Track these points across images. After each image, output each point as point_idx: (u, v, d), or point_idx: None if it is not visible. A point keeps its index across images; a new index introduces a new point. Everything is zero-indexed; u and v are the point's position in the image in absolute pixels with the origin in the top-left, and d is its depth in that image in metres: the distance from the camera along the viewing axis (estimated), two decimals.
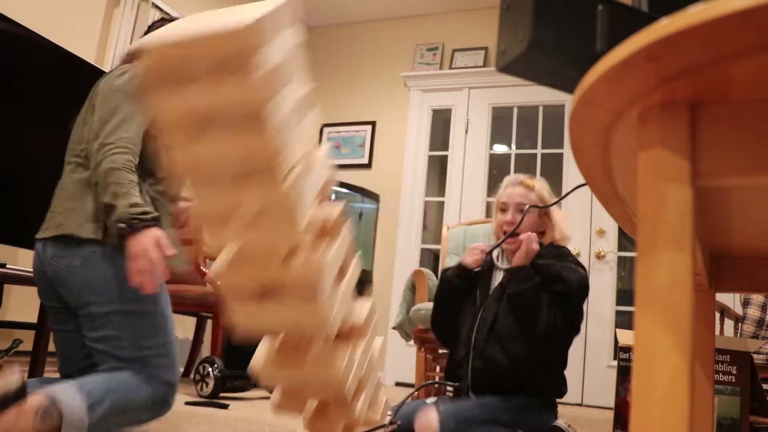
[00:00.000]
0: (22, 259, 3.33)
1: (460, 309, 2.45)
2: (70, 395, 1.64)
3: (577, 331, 2.28)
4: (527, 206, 2.36)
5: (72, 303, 1.88)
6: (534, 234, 2.29)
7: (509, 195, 2.44)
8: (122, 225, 1.73)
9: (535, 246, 2.26)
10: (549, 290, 2.22)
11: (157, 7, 4.23)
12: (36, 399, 1.59)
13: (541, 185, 2.46)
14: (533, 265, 2.27)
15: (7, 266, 2.64)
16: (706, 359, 1.32)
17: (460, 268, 2.44)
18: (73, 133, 2.05)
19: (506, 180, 2.53)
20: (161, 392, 1.85)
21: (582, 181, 0.85)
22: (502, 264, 2.47)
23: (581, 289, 2.27)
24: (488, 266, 2.48)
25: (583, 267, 2.38)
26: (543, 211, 2.41)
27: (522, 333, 2.25)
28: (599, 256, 4.65)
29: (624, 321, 4.53)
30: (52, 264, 1.90)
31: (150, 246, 1.72)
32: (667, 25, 0.45)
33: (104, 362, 1.83)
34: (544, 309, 2.19)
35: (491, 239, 2.65)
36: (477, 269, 2.43)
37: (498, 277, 2.45)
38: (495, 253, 2.49)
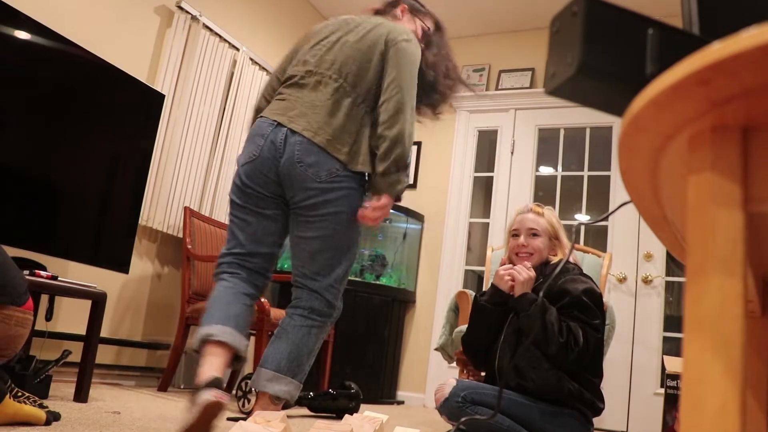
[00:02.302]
0: (72, 272, 3.41)
1: (497, 333, 2.49)
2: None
3: (599, 332, 2.32)
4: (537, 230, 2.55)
5: (297, 200, 2.29)
6: (523, 264, 2.42)
7: (520, 221, 2.60)
8: (400, 190, 2.33)
9: (525, 274, 2.37)
10: (558, 307, 2.31)
11: (208, 28, 4.33)
12: None
13: (549, 212, 2.62)
14: (543, 289, 2.35)
15: (59, 279, 2.71)
16: (759, 391, 1.28)
17: (496, 295, 2.49)
18: (337, 51, 2.40)
19: (516, 209, 2.69)
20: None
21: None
22: None
23: (588, 293, 2.34)
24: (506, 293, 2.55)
25: (589, 277, 2.47)
26: (553, 235, 2.56)
27: (542, 356, 2.31)
28: (646, 281, 4.57)
29: (671, 347, 4.43)
30: (299, 167, 2.26)
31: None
32: (718, 50, 0.45)
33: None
34: (554, 326, 2.24)
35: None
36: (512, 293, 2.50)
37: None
38: None
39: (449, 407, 2.26)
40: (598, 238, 4.98)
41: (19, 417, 1.98)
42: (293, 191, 2.29)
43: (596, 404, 2.34)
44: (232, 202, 2.39)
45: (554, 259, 2.53)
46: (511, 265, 2.51)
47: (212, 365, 2.05)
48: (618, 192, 4.81)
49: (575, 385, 2.27)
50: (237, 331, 2.18)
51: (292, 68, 2.46)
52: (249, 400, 3.11)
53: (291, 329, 2.31)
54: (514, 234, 2.59)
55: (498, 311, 2.47)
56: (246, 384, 3.15)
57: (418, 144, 5.63)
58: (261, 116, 2.40)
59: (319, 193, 2.27)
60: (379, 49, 2.37)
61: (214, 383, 1.93)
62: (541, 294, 2.26)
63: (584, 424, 2.31)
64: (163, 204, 4.02)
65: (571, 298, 2.31)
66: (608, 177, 4.93)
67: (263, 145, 2.30)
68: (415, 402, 5.11)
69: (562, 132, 5.22)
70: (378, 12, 2.67)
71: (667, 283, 4.59)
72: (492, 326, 2.49)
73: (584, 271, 2.56)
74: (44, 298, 3.00)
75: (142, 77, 3.92)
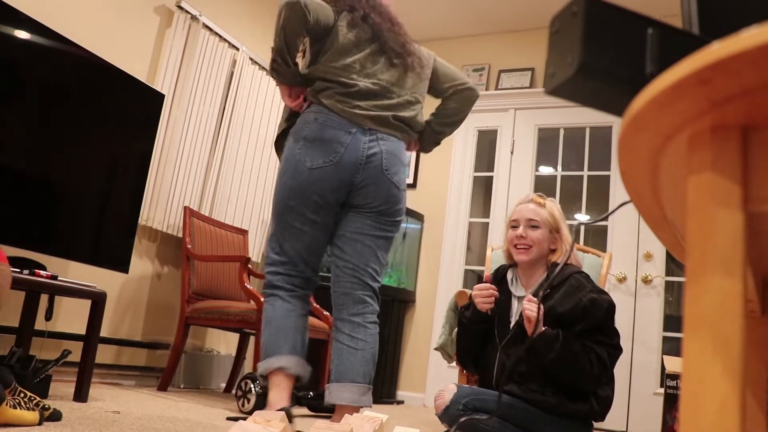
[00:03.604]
0: (72, 272, 3.41)
1: (485, 344, 2.45)
2: None
3: (619, 350, 2.26)
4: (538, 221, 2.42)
5: (376, 205, 2.48)
6: (528, 300, 2.22)
7: (520, 211, 2.48)
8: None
9: (534, 311, 2.16)
10: (581, 329, 2.20)
11: (207, 27, 4.33)
12: None
13: (551, 203, 2.49)
14: (556, 315, 2.24)
15: (59, 278, 2.71)
16: (759, 391, 1.28)
17: (476, 314, 2.42)
18: (394, 86, 2.56)
19: (518, 200, 2.58)
20: None
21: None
22: (517, 291, 2.46)
23: (608, 313, 2.25)
24: (504, 294, 2.47)
25: (603, 291, 2.35)
26: (554, 227, 2.44)
27: (541, 375, 2.25)
28: (646, 281, 4.57)
29: (671, 347, 4.43)
30: (386, 174, 2.45)
31: None
32: (719, 49, 0.45)
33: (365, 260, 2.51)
34: (584, 358, 2.16)
35: (501, 257, 2.66)
36: (492, 309, 2.42)
37: (515, 305, 2.44)
38: (509, 277, 2.49)
39: (450, 415, 2.20)
40: (597, 238, 4.98)
41: (13, 421, 1.99)
42: (371, 197, 2.44)
43: (599, 414, 2.29)
44: (288, 206, 2.43)
45: (554, 256, 2.43)
46: (486, 285, 2.41)
47: (282, 397, 2.33)
48: (618, 192, 4.81)
49: (576, 405, 2.23)
50: (304, 360, 2.43)
51: (358, 78, 2.47)
52: (249, 400, 3.11)
53: (371, 340, 2.44)
54: (513, 225, 2.49)
55: (481, 327, 2.43)
56: (245, 383, 3.15)
57: None
58: (329, 122, 2.40)
59: (397, 200, 2.52)
60: (431, 62, 2.72)
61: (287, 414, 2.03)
62: (541, 290, 2.24)
63: (585, 426, 2.30)
64: (162, 204, 4.02)
65: (595, 321, 2.21)
66: (608, 177, 4.93)
67: (343, 152, 2.37)
68: (415, 402, 5.11)
69: (561, 132, 5.22)
70: None
71: (667, 282, 4.59)
72: (477, 339, 2.45)
73: (584, 271, 2.49)
74: (44, 298, 3.00)
75: (142, 77, 3.92)
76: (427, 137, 2.73)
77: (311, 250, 2.50)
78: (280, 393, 2.33)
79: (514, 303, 2.44)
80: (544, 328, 2.19)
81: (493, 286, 2.42)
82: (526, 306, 2.20)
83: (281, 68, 2.44)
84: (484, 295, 2.39)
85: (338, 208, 2.48)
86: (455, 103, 2.74)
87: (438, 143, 2.79)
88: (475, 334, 2.44)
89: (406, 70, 2.58)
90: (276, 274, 2.48)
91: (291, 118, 2.56)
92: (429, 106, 2.73)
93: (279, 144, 2.62)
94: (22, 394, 2.10)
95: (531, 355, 2.21)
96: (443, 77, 2.73)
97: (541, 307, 2.17)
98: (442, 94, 2.76)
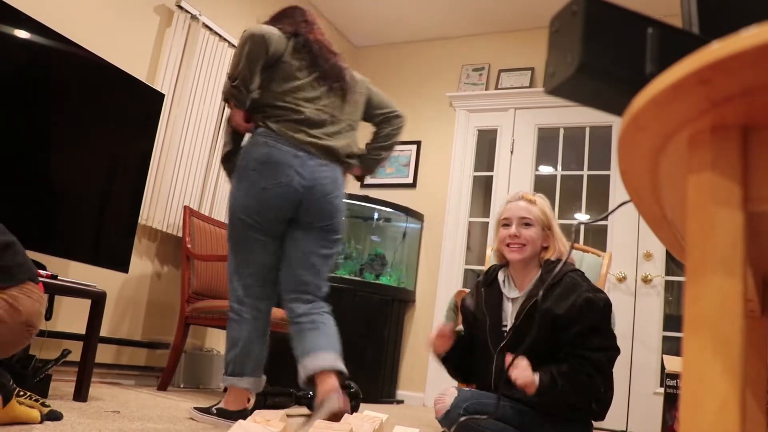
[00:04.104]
0: (72, 272, 3.41)
1: (471, 352, 2.45)
2: None
3: (617, 351, 2.22)
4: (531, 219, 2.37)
5: (318, 223, 2.70)
6: (515, 364, 2.10)
7: (511, 210, 2.41)
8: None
9: (524, 378, 2.07)
10: (578, 332, 2.16)
11: (207, 27, 4.32)
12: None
13: (542, 200, 2.44)
14: (554, 317, 2.18)
15: (58, 278, 2.71)
16: (759, 391, 1.28)
17: (437, 356, 2.48)
18: (335, 111, 2.79)
19: (507, 197, 2.52)
20: None
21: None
22: (509, 293, 2.40)
23: (605, 312, 2.21)
24: (496, 297, 2.42)
25: (599, 289, 2.28)
26: (546, 225, 2.38)
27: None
28: (646, 280, 4.57)
29: (671, 347, 4.43)
30: (328, 198, 2.69)
31: None
32: (719, 49, 0.45)
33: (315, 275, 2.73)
34: (582, 379, 2.12)
35: (493, 257, 2.61)
36: (449, 349, 2.43)
37: (509, 308, 2.37)
38: (501, 278, 2.45)
39: (451, 420, 2.17)
40: (597, 238, 4.98)
41: (21, 418, 1.99)
42: (316, 217, 2.69)
43: (599, 415, 2.27)
44: (249, 222, 2.66)
45: (546, 254, 2.37)
46: (440, 331, 2.38)
47: (239, 404, 2.72)
48: (618, 191, 4.81)
49: (575, 409, 2.22)
50: (261, 374, 2.78)
51: (304, 105, 2.70)
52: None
53: (329, 322, 2.66)
54: (504, 224, 2.41)
55: (457, 353, 2.44)
56: None
57: (418, 143, 5.63)
58: (278, 145, 2.62)
59: (338, 221, 2.75)
60: (365, 89, 2.98)
61: (247, 413, 2.48)
62: (537, 290, 2.22)
63: (585, 426, 2.29)
64: (162, 203, 4.02)
65: (591, 322, 2.15)
66: (608, 176, 4.93)
67: (293, 175, 2.60)
68: (414, 401, 5.11)
69: (561, 131, 5.21)
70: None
71: (667, 282, 4.59)
72: (461, 359, 2.47)
73: (584, 271, 2.43)
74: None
75: (142, 77, 3.91)
76: (369, 161, 2.98)
77: (274, 261, 2.74)
78: (237, 400, 2.72)
79: (507, 306, 2.37)
80: (536, 378, 2.10)
81: (446, 328, 2.40)
82: (516, 376, 2.09)
83: (241, 95, 2.66)
84: (436, 342, 2.42)
85: (288, 221, 2.70)
86: (386, 129, 3.01)
87: (379, 164, 3.04)
88: (456, 357, 2.45)
89: (345, 97, 2.82)
90: (246, 287, 2.71)
91: (235, 138, 2.83)
92: (364, 132, 3.01)
93: (226, 162, 2.85)
94: (21, 393, 2.10)
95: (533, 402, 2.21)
96: (375, 105, 3.01)
97: (528, 368, 2.08)
98: (373, 120, 3.03)
